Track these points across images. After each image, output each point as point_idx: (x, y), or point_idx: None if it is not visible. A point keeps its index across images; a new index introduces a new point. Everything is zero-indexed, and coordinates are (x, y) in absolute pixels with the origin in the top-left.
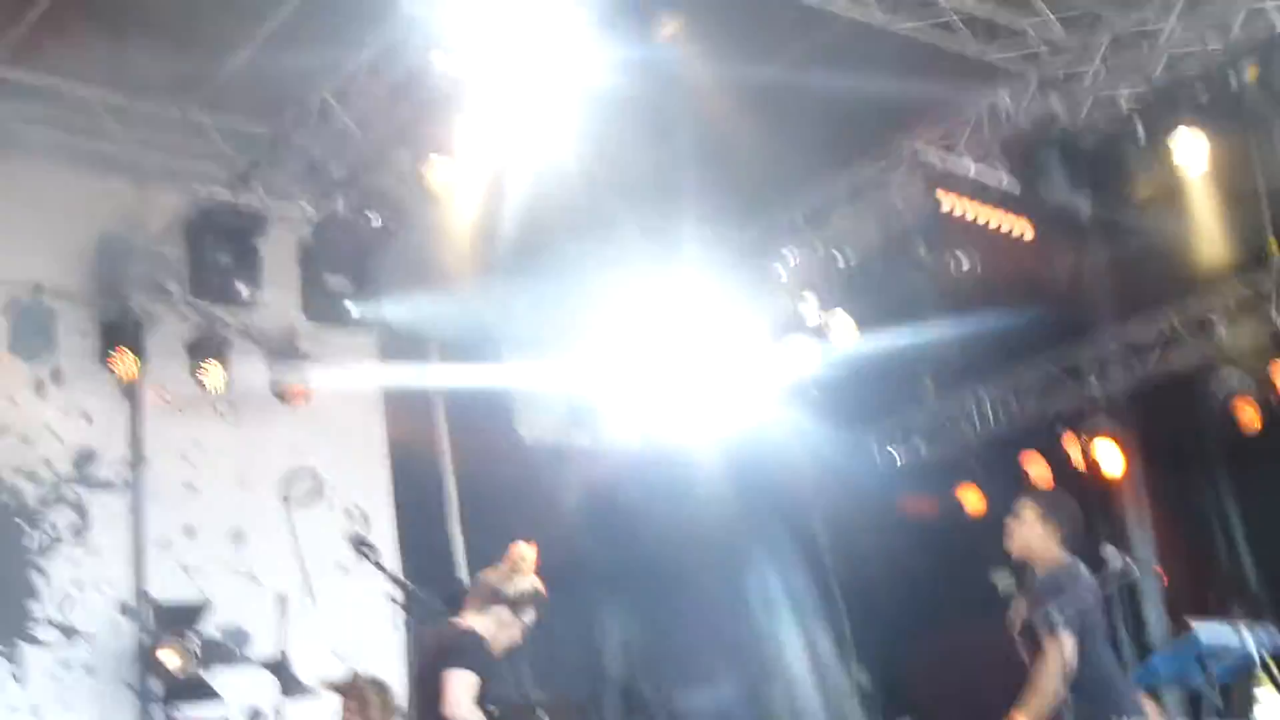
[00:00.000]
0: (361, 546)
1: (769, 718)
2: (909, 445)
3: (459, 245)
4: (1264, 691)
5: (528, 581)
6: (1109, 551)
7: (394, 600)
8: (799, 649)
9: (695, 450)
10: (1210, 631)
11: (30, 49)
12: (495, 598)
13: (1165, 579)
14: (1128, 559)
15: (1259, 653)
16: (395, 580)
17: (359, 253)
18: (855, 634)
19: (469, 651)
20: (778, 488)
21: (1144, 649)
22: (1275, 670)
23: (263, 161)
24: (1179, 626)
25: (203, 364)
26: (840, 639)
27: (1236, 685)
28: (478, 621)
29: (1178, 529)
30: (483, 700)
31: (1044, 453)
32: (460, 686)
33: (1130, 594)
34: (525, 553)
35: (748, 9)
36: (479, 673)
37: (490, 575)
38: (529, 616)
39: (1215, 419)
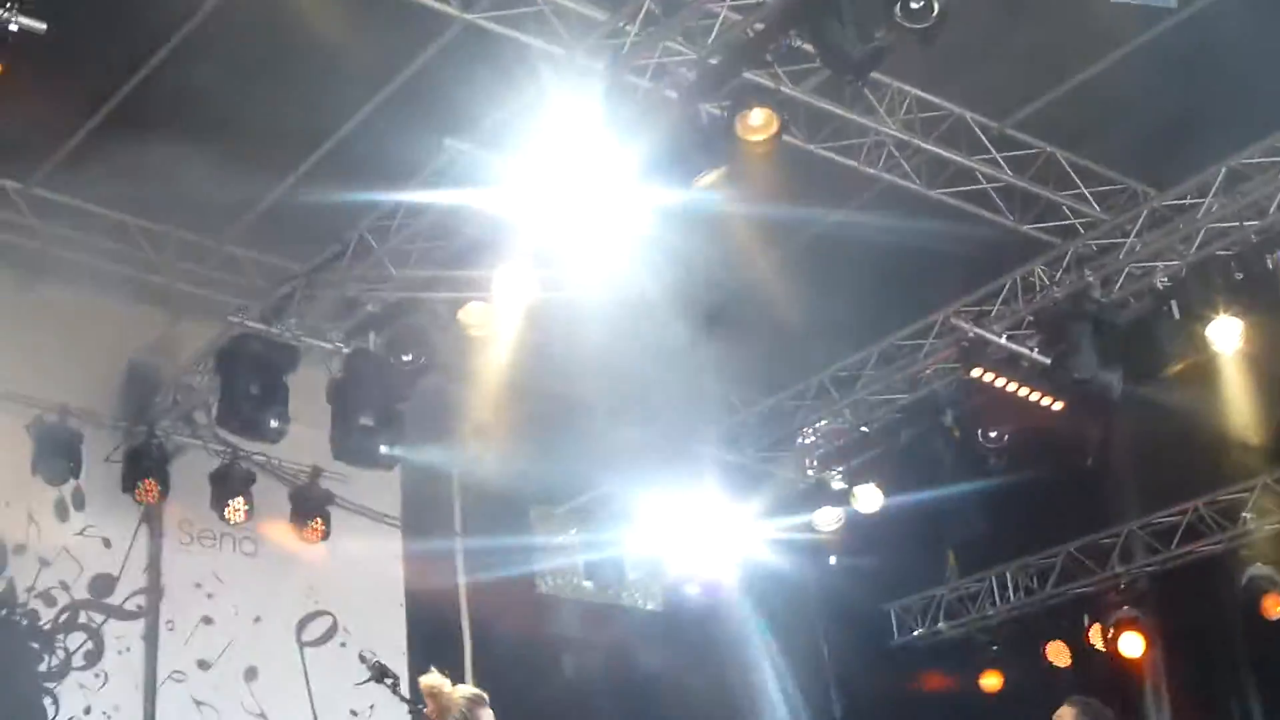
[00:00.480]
0: (383, 676)
1: None
2: (929, 621)
3: (489, 391)
4: None
5: (457, 701)
6: None
7: None
8: None
9: (715, 615)
10: None
11: (70, 173)
12: None
13: None
14: None
15: None
16: (415, 711)
17: (388, 392)
18: None
19: None
20: (796, 659)
21: None
22: None
23: (297, 295)
24: None
25: (227, 498)
26: None
27: None
28: None
29: (1197, 718)
30: None
31: (1065, 636)
32: None
33: None
34: (431, 681)
35: (787, 165)
36: None
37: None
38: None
39: (1239, 609)
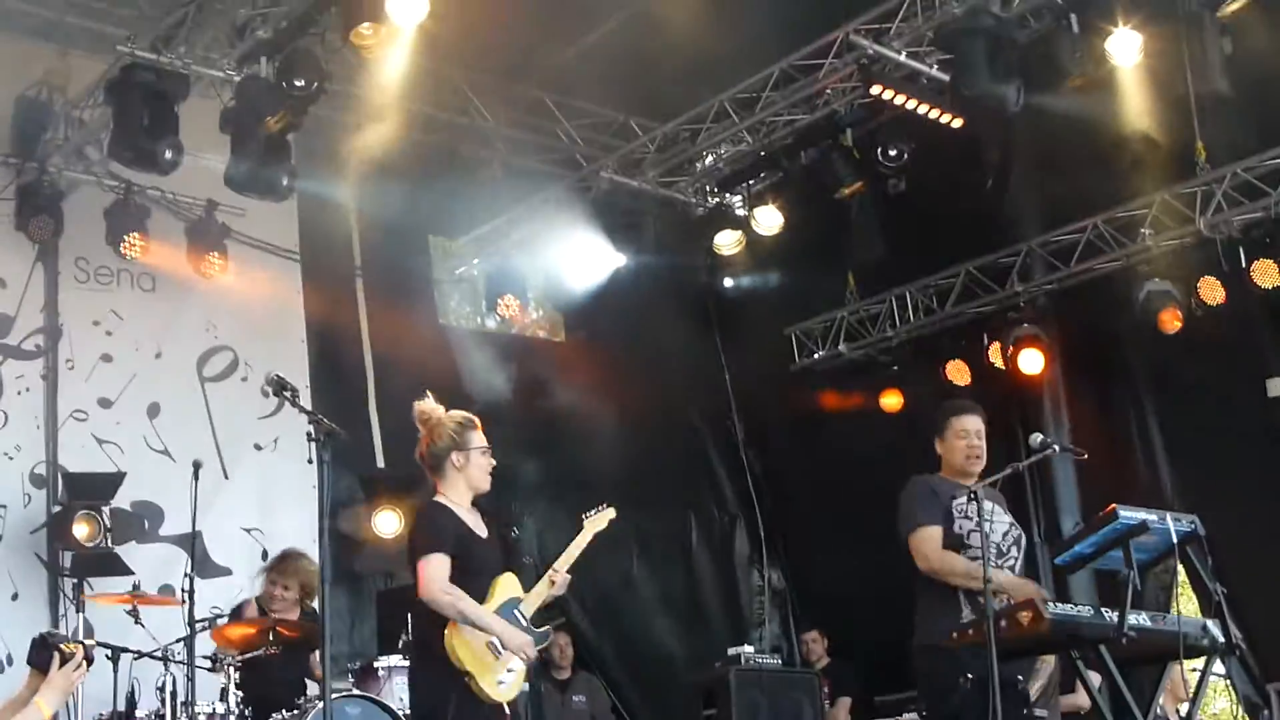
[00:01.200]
0: (282, 389)
1: (676, 609)
2: (830, 344)
3: (384, 120)
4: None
5: (447, 424)
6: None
7: (313, 438)
8: (714, 543)
9: (617, 344)
10: (1131, 510)
11: None
12: (437, 457)
13: (1084, 454)
14: (1049, 441)
15: (1177, 534)
16: (316, 419)
17: (283, 121)
18: (769, 532)
19: (427, 532)
20: (698, 384)
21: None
22: (1191, 554)
23: (187, 23)
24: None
25: (123, 234)
26: (754, 536)
27: (1153, 568)
28: (445, 490)
29: (1095, 433)
30: (470, 566)
31: (965, 355)
32: (428, 572)
33: (1044, 475)
34: (424, 406)
35: None
36: (445, 549)
37: (422, 448)
38: (477, 441)
39: (1137, 325)
